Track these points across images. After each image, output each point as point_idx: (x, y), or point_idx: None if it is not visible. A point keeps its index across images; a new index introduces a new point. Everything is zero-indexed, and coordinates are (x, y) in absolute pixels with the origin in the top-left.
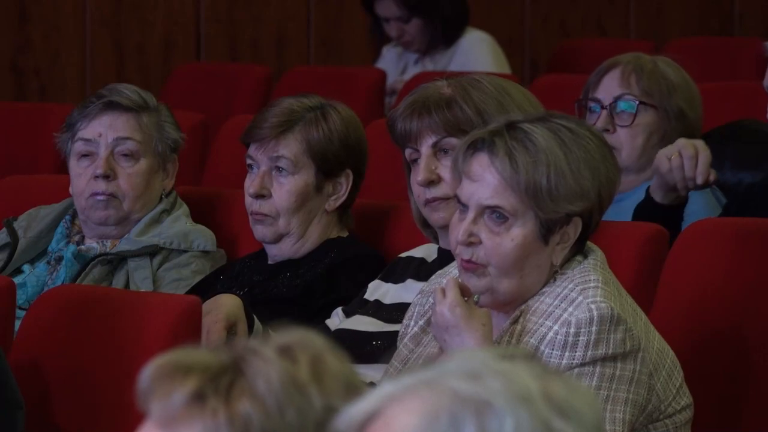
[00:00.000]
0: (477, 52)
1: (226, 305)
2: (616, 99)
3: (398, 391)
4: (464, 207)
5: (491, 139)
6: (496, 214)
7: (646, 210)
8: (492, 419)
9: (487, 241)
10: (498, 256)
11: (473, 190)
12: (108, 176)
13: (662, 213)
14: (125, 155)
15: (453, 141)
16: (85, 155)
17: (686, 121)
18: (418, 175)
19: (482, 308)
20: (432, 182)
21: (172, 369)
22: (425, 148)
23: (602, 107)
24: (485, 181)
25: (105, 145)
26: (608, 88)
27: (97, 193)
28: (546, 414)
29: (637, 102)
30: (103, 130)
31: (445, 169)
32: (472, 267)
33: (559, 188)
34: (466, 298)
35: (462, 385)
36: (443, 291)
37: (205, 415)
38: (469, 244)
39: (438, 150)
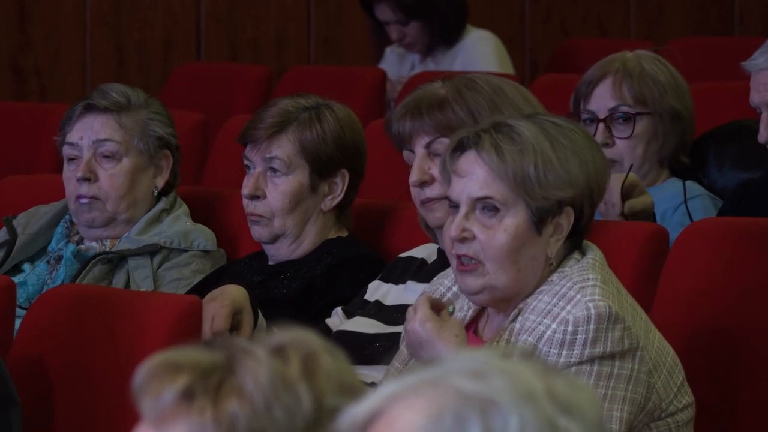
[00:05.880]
0: (480, 51)
1: (232, 293)
2: (612, 111)
3: (401, 390)
4: (456, 206)
5: (477, 136)
6: (487, 206)
7: None
8: (497, 417)
9: (480, 235)
10: (493, 249)
11: (462, 186)
12: (89, 179)
13: None
14: (106, 156)
15: (446, 141)
16: (71, 159)
17: (681, 119)
18: (412, 176)
19: (455, 319)
20: (425, 183)
21: (164, 367)
22: (419, 148)
23: (598, 120)
24: (474, 174)
25: (87, 147)
26: (601, 99)
27: (80, 196)
28: (550, 412)
29: (634, 112)
30: (83, 133)
31: (438, 169)
32: (468, 268)
33: (547, 175)
34: (442, 311)
35: (466, 384)
36: (415, 309)
37: (192, 414)
38: (463, 240)
39: (431, 151)
